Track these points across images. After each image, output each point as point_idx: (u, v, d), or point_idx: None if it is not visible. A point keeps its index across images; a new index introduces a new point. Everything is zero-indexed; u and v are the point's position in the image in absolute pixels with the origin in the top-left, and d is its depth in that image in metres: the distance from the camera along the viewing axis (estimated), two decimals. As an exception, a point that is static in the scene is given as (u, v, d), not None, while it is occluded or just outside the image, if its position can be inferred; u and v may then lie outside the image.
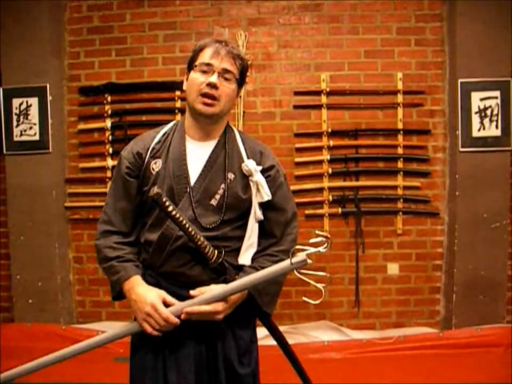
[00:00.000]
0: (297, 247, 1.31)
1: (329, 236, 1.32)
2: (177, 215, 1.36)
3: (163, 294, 1.40)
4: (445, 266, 3.53)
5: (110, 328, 3.37)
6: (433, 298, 3.56)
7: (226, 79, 1.45)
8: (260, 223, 1.53)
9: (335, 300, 3.56)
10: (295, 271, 1.30)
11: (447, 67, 3.47)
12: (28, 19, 3.43)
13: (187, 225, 1.37)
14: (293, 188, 3.35)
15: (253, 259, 1.51)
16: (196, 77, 1.46)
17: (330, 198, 3.48)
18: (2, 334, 3.35)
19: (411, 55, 3.51)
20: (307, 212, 3.48)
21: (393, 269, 3.55)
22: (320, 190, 3.51)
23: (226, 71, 1.45)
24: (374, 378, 2.87)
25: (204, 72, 1.45)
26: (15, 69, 3.47)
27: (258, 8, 3.54)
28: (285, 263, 1.31)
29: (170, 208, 1.35)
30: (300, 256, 1.28)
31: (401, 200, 3.49)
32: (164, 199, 1.35)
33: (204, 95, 1.44)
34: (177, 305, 1.38)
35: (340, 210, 3.48)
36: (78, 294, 3.68)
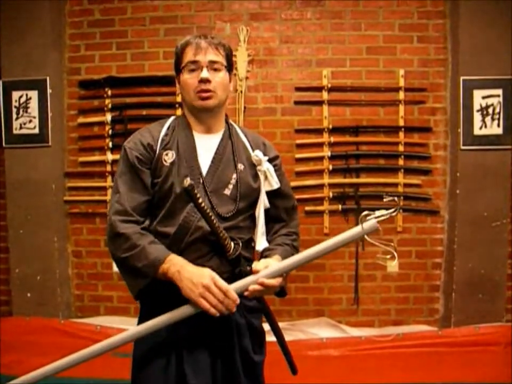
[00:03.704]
0: (365, 212, 1.29)
1: (396, 199, 1.31)
2: (206, 207, 1.36)
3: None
4: (444, 265, 3.53)
5: (108, 323, 3.41)
6: (433, 297, 3.56)
7: (215, 69, 1.47)
8: (266, 210, 1.57)
9: (334, 296, 3.55)
10: (365, 236, 1.31)
11: (449, 64, 3.46)
12: (28, 11, 3.41)
13: (213, 217, 1.38)
14: (293, 184, 3.34)
15: (269, 241, 1.58)
16: (187, 77, 1.48)
17: (331, 194, 3.47)
18: (1, 328, 3.34)
19: (413, 52, 3.49)
20: (307, 208, 3.47)
21: (392, 266, 3.54)
22: (321, 186, 3.50)
23: (213, 62, 1.47)
24: (372, 375, 2.87)
25: (193, 70, 1.47)
26: (15, 61, 3.45)
27: (260, 3, 3.52)
28: (357, 229, 1.31)
29: (200, 200, 1.35)
30: (370, 222, 1.28)
31: (402, 197, 3.48)
32: (196, 191, 1.34)
33: (200, 91, 1.46)
34: (238, 282, 1.37)
35: (340, 207, 3.48)
36: (77, 288, 3.67)
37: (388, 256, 1.33)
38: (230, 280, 1.39)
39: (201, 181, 1.47)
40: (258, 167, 1.53)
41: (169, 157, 1.48)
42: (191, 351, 1.45)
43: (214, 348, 1.47)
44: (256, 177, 1.54)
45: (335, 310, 3.56)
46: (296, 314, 3.55)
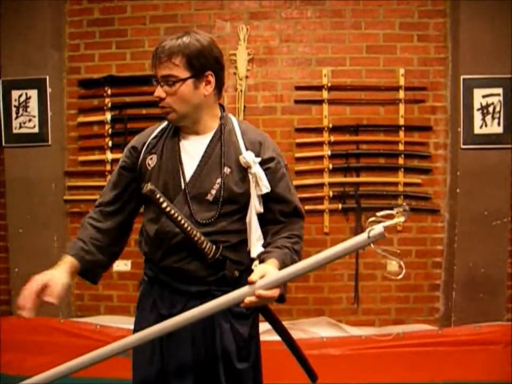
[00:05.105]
0: (372, 219, 1.20)
1: (406, 205, 1.24)
2: (172, 211, 1.35)
3: (53, 279, 1.37)
4: (444, 264, 3.52)
5: (108, 322, 3.41)
6: (433, 296, 3.55)
7: (169, 84, 1.41)
8: (265, 214, 1.49)
9: (334, 296, 3.55)
10: (372, 245, 1.21)
11: (450, 63, 3.45)
12: (28, 10, 3.40)
13: (182, 221, 1.36)
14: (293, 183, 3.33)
15: (268, 243, 1.48)
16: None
17: (331, 193, 3.47)
18: (1, 327, 3.34)
19: (413, 51, 3.48)
20: (307, 207, 3.45)
21: (393, 265, 3.54)
22: (321, 185, 3.50)
23: (164, 77, 1.40)
24: (373, 375, 2.87)
25: (155, 85, 1.45)
26: (14, 60, 3.44)
27: (260, 2, 3.51)
28: (362, 237, 1.20)
29: (164, 205, 1.35)
30: (377, 229, 1.18)
31: (402, 196, 3.48)
32: (158, 196, 1.34)
33: (160, 108, 1.45)
34: (233, 293, 1.30)
35: (340, 206, 3.47)
36: (77, 287, 3.66)
37: (394, 262, 1.28)
38: (215, 283, 1.38)
39: (182, 187, 1.45)
40: (248, 170, 1.45)
41: (152, 161, 1.49)
42: (175, 354, 1.46)
43: (197, 351, 1.47)
44: (244, 181, 1.46)
45: (335, 309, 3.56)
46: (296, 314, 3.55)
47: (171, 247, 1.44)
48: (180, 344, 1.46)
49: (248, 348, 1.54)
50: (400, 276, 1.26)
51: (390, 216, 1.19)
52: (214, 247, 1.42)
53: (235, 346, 1.49)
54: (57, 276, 1.37)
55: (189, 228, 1.37)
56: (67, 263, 1.43)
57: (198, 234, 1.39)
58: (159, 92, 1.42)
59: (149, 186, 1.35)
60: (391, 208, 1.20)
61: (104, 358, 1.37)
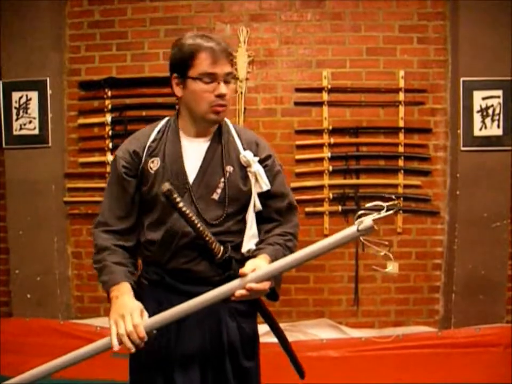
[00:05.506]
0: (361, 212, 1.20)
1: (395, 198, 1.23)
2: (187, 211, 1.35)
3: (142, 311, 1.35)
4: (444, 266, 3.52)
5: (107, 324, 3.40)
6: (433, 298, 3.55)
7: (228, 82, 1.43)
8: (261, 212, 1.52)
9: (334, 298, 3.55)
10: (361, 238, 1.21)
11: (449, 65, 3.46)
12: (28, 12, 3.41)
13: (196, 221, 1.37)
14: (293, 185, 3.35)
15: (262, 240, 1.51)
16: (202, 88, 1.41)
17: (331, 195, 3.47)
18: (1, 329, 3.34)
19: (413, 53, 3.49)
20: (307, 209, 3.47)
21: (392, 268, 3.53)
22: (321, 187, 3.50)
23: (228, 74, 1.42)
24: (372, 377, 2.87)
25: (208, 82, 1.40)
26: (15, 62, 3.45)
27: (260, 4, 3.52)
28: (351, 230, 1.20)
29: (181, 204, 1.35)
30: (366, 222, 1.17)
31: (402, 198, 3.48)
32: (175, 195, 1.34)
33: (216, 106, 1.42)
34: (223, 287, 1.32)
35: (340, 208, 3.47)
36: (77, 289, 3.67)
37: (389, 254, 1.27)
38: (220, 284, 1.39)
39: (187, 187, 1.45)
40: (248, 169, 1.48)
41: (154, 165, 1.47)
42: (182, 353, 1.45)
43: (204, 350, 1.46)
44: (246, 178, 1.49)
45: (335, 311, 3.56)
46: (296, 315, 3.55)
47: (180, 247, 1.44)
48: (186, 343, 1.46)
49: (253, 345, 1.56)
50: (389, 269, 1.27)
51: (379, 208, 1.18)
52: (222, 247, 1.43)
53: (241, 344, 1.50)
54: (140, 305, 1.36)
55: (201, 228, 1.37)
56: (129, 291, 1.41)
57: (210, 235, 1.40)
58: (226, 89, 1.42)
59: (167, 186, 1.33)
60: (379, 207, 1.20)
61: (100, 351, 1.39)
